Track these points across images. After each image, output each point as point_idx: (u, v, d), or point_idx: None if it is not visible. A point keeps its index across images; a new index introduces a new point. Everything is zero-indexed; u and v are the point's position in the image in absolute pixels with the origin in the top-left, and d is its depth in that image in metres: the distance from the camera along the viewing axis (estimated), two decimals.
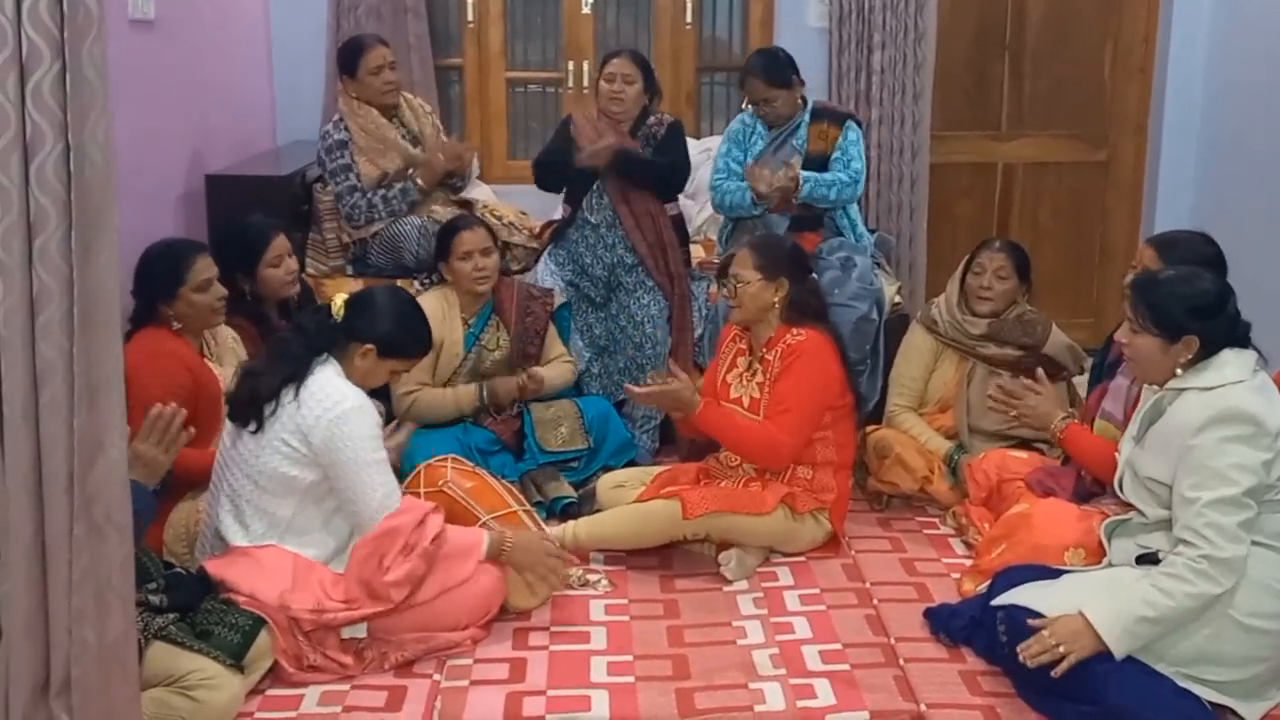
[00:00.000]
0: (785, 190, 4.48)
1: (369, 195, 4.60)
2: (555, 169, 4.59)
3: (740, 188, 4.61)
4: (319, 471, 3.04)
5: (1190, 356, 2.93)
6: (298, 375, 3.04)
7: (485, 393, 4.13)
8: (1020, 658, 2.86)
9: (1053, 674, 2.81)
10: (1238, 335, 2.99)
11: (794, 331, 3.70)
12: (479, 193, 5.42)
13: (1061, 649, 2.80)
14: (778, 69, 4.64)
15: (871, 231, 5.17)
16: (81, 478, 2.21)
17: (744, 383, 3.78)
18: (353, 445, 3.01)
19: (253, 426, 3.05)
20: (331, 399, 3.02)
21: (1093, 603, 2.87)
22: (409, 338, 3.26)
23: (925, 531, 3.97)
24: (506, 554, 3.23)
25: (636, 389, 3.70)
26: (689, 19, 5.93)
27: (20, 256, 2.13)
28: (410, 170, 4.67)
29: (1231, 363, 2.93)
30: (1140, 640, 2.81)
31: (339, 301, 3.16)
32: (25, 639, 2.24)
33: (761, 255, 3.74)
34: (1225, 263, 3.47)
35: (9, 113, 2.09)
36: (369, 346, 3.15)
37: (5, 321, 2.13)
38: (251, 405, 3.05)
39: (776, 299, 3.72)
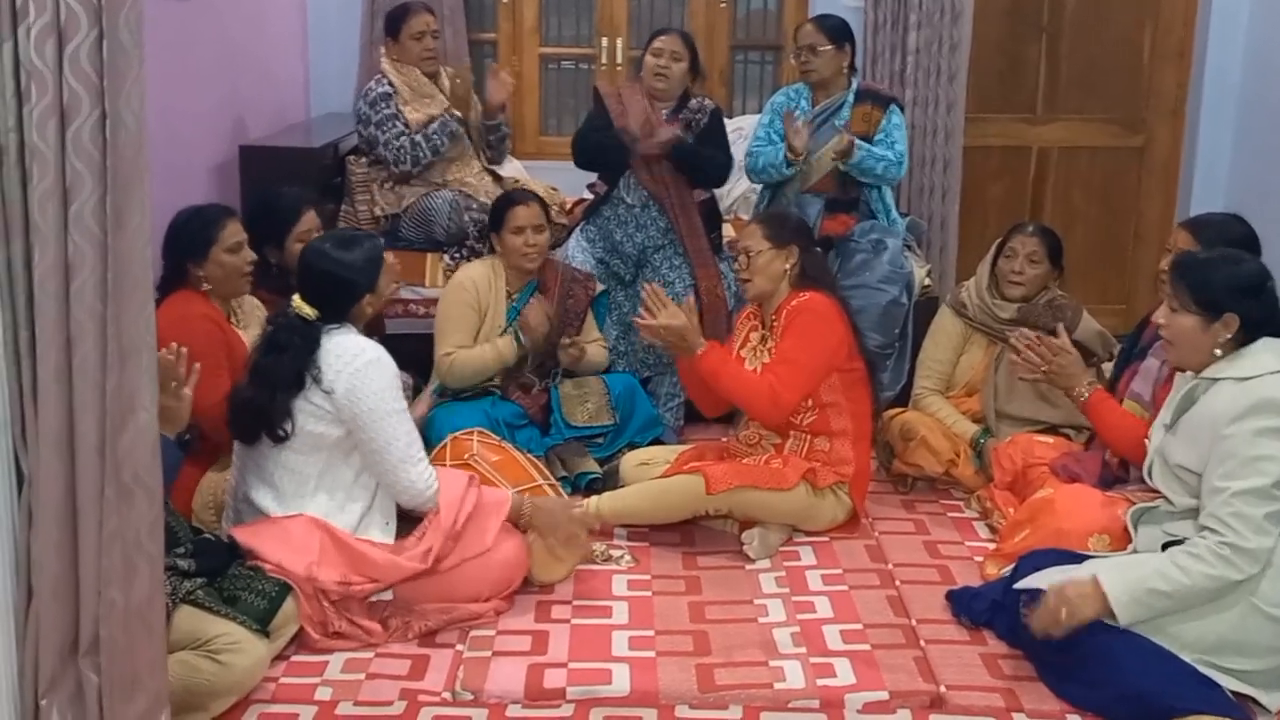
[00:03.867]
0: (839, 152, 4.47)
1: (413, 136, 4.63)
2: (597, 149, 4.57)
3: (776, 149, 4.60)
4: (343, 427, 3.07)
5: (1230, 336, 2.91)
6: (304, 381, 3.06)
7: (520, 333, 4.12)
8: (1026, 621, 2.90)
9: (1052, 634, 2.84)
10: (1276, 323, 2.97)
11: (800, 294, 3.71)
12: (510, 169, 5.43)
13: (1064, 612, 2.81)
14: (833, 21, 4.71)
15: (904, 215, 5.17)
16: (112, 440, 2.24)
17: (756, 354, 3.80)
18: (373, 395, 3.05)
19: (278, 438, 3.08)
20: (350, 353, 3.07)
21: (1108, 570, 2.87)
22: (370, 260, 3.21)
23: (949, 514, 3.97)
24: (529, 517, 3.25)
25: (642, 320, 3.67)
26: None
27: (55, 221, 2.15)
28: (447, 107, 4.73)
29: (1268, 351, 2.91)
30: (1148, 612, 2.81)
31: (299, 301, 3.15)
32: (54, 599, 2.27)
33: (768, 225, 3.79)
34: (1259, 243, 3.45)
35: (46, 78, 2.10)
36: (367, 296, 3.19)
37: (40, 285, 2.16)
38: (268, 428, 3.07)
39: (788, 266, 3.73)
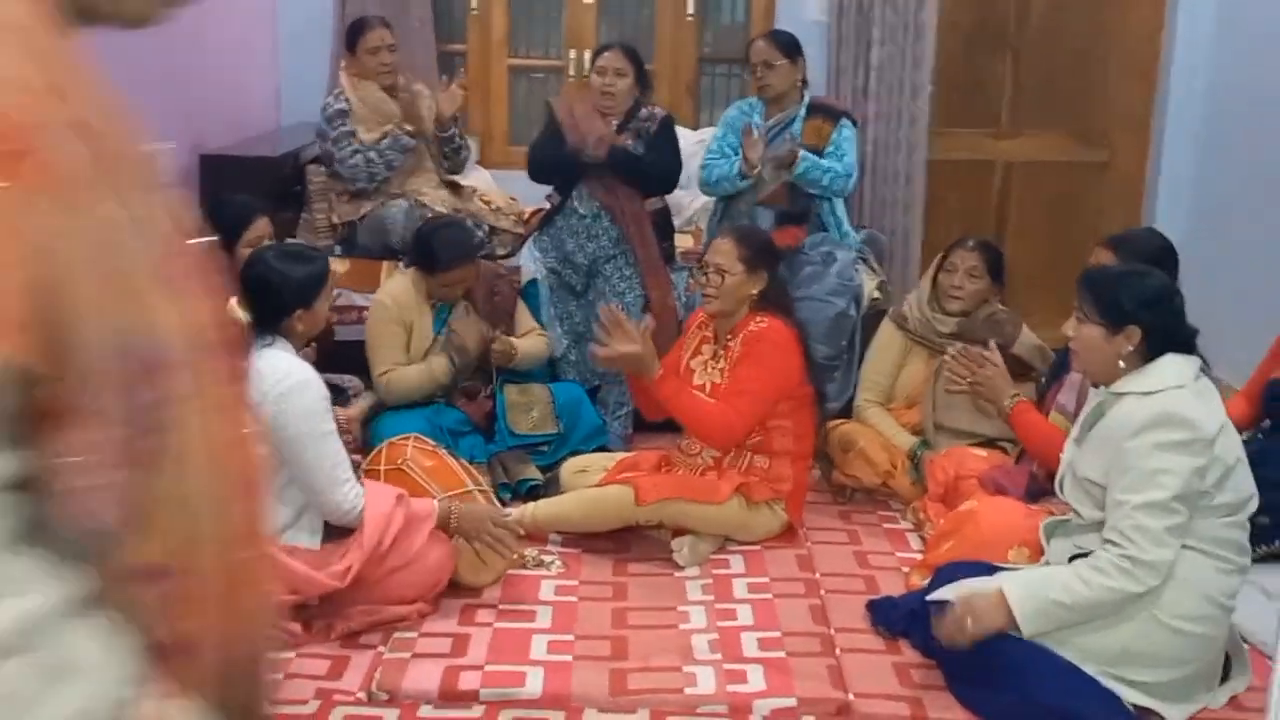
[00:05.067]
0: (781, 160, 4.54)
1: (367, 153, 4.71)
2: (549, 164, 4.66)
3: (730, 161, 4.66)
4: (270, 445, 3.12)
5: (1132, 349, 2.95)
6: None
7: (451, 350, 4.16)
8: (935, 631, 2.95)
9: (958, 644, 2.89)
10: (1181, 338, 3.01)
11: (758, 319, 3.75)
12: (476, 178, 5.51)
13: (969, 622, 2.86)
14: (785, 36, 4.81)
15: (862, 229, 5.24)
16: None
17: (707, 369, 3.84)
18: (300, 419, 3.09)
19: None
20: (277, 375, 3.10)
21: (1012, 582, 2.93)
22: (310, 276, 3.27)
23: (884, 525, 4.02)
24: (454, 524, 3.31)
25: (599, 349, 3.67)
26: (691, 10, 5.98)
27: None
28: (397, 122, 4.79)
29: (1173, 366, 2.95)
30: (1051, 623, 2.86)
31: (234, 305, 3.19)
32: None
33: (746, 246, 3.78)
34: (1176, 255, 3.52)
35: None
36: (298, 311, 3.22)
37: None
38: None
39: (755, 291, 3.76)
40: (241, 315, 3.15)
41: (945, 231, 5.91)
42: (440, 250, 4.13)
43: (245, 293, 3.20)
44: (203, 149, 4.75)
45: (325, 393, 3.20)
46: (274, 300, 3.20)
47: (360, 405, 3.72)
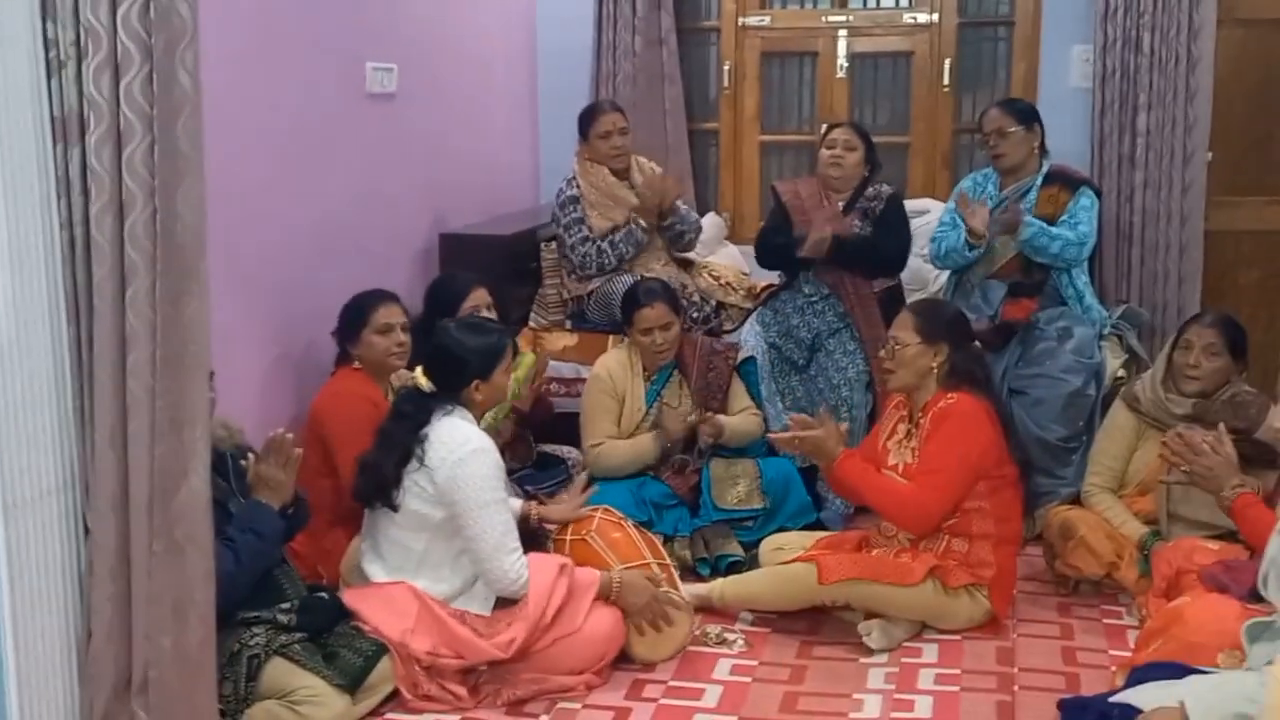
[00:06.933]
0: (1005, 224, 4.41)
1: (599, 243, 4.82)
2: (775, 253, 4.68)
3: (958, 233, 4.52)
4: (445, 509, 3.24)
5: None
6: (411, 453, 3.25)
7: (659, 433, 4.21)
8: None
9: None
10: None
11: (949, 396, 3.60)
12: (725, 254, 5.56)
13: None
14: (1017, 104, 4.71)
15: (1121, 304, 4.96)
16: (164, 501, 2.50)
17: (901, 449, 3.71)
18: (472, 486, 3.20)
19: (393, 505, 3.28)
20: (455, 442, 3.23)
21: (1196, 696, 2.65)
22: (489, 348, 3.37)
23: (1105, 620, 3.74)
24: (616, 594, 3.33)
25: (778, 434, 3.71)
26: (946, 81, 5.84)
27: (113, 302, 2.44)
28: (632, 214, 4.86)
29: None
30: None
31: (419, 373, 3.34)
32: (109, 642, 2.54)
33: (921, 318, 3.70)
34: None
35: (104, 179, 2.40)
36: (476, 381, 3.33)
37: (98, 360, 2.45)
38: (381, 494, 3.28)
39: (935, 364, 3.63)
40: (424, 382, 3.31)
41: (1234, 307, 5.44)
42: (639, 291, 4.26)
43: (430, 360, 3.36)
44: (443, 228, 5.00)
45: (499, 462, 3.30)
46: (454, 370, 3.33)
47: (565, 507, 3.76)
